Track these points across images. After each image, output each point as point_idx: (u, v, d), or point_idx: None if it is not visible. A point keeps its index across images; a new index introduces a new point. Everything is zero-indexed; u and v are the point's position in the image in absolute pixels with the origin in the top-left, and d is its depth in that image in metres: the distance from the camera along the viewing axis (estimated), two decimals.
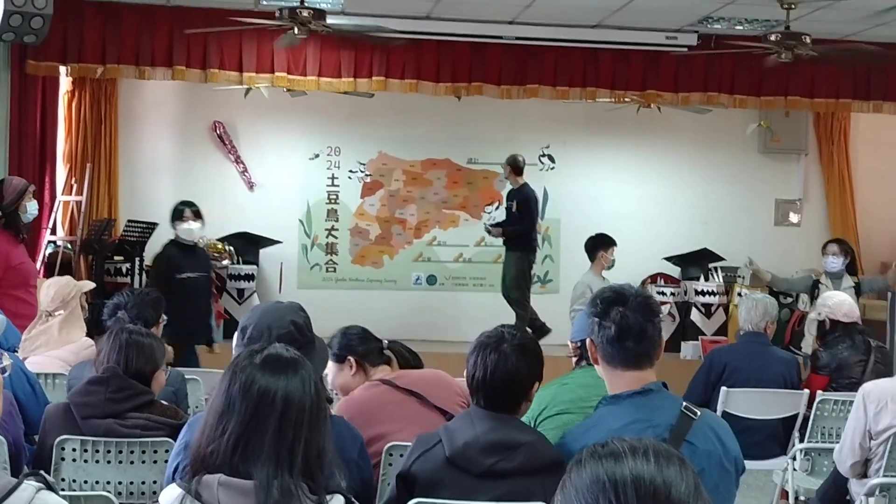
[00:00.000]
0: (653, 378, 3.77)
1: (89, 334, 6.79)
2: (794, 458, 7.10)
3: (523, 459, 3.81)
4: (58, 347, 6.69)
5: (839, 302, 7.92)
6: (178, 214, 10.04)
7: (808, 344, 10.05)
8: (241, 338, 4.04)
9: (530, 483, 3.79)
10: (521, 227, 13.05)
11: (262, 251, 14.38)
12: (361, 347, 5.12)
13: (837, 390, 7.51)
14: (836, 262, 11.34)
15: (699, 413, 3.70)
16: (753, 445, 6.97)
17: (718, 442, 3.70)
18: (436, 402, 4.79)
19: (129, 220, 13.76)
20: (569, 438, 3.89)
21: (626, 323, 3.69)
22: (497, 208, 14.07)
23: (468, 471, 3.81)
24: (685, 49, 12.90)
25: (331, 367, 5.10)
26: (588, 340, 3.84)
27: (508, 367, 3.93)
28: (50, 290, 6.86)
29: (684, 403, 3.70)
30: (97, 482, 4.95)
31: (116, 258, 13.27)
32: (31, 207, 8.66)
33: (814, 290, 11.42)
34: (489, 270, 13.48)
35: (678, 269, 14.93)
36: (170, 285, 9.36)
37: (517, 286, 13.10)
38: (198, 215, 10.08)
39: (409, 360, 5.32)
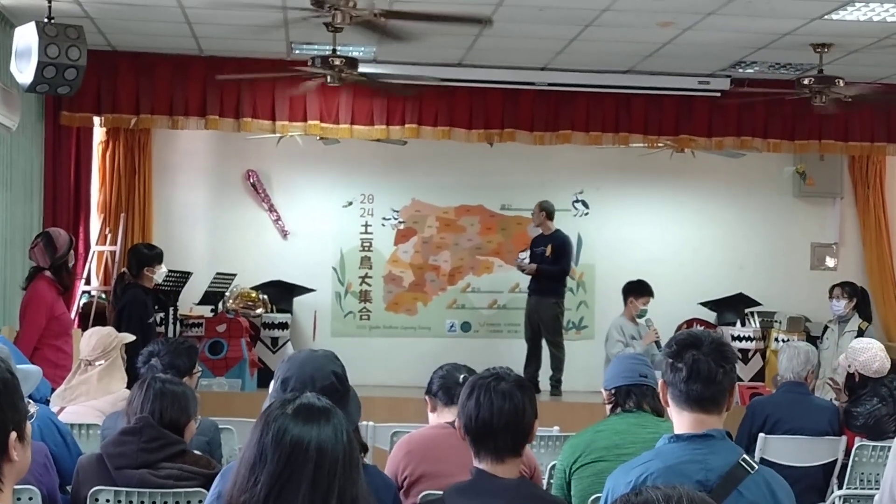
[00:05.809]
0: (718, 425, 3.76)
1: (129, 386, 6.78)
2: None
3: None
4: (97, 397, 6.69)
5: (870, 358, 7.58)
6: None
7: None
8: (282, 390, 3.90)
9: None
10: (561, 268, 13.15)
11: (295, 299, 14.35)
12: (436, 385, 5.44)
13: None
14: (838, 306, 11.53)
15: (757, 468, 3.68)
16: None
17: (771, 497, 3.64)
18: None
19: None
20: (621, 471, 3.81)
21: (698, 367, 3.70)
22: (524, 252, 14.01)
23: None
24: (718, 93, 12.89)
25: None
26: (661, 382, 3.83)
27: (516, 403, 3.82)
28: (92, 339, 6.87)
29: (744, 455, 3.69)
30: None
31: None
32: (71, 259, 9.05)
33: (823, 334, 11.75)
34: (524, 317, 13.45)
35: (714, 314, 14.82)
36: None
37: (558, 331, 13.20)
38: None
39: None
